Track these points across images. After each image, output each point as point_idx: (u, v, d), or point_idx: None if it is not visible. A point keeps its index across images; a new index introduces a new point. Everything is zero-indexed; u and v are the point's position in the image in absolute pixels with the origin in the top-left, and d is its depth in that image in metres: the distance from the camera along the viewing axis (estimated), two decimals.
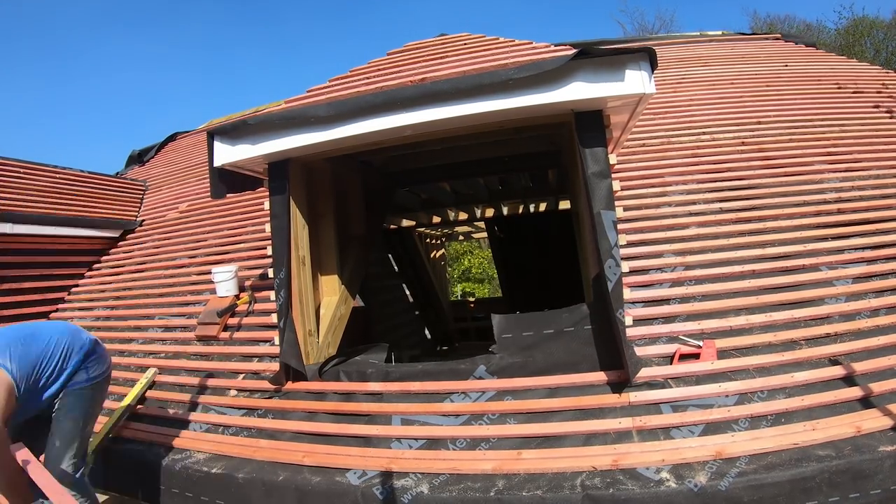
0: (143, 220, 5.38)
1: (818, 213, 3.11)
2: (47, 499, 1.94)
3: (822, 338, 2.45)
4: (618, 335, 2.31)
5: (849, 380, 2.25)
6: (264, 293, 3.41)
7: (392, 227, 6.93)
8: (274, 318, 2.95)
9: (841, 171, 3.43)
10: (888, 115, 4.18)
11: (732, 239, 2.96)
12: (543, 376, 2.46)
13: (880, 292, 2.64)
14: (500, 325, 2.61)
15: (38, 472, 2.62)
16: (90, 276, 4.86)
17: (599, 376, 2.41)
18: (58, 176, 5.28)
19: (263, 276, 3.55)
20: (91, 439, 2.85)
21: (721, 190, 3.33)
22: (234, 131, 2.68)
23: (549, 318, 2.56)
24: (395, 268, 7.61)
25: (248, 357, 3.15)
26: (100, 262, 4.99)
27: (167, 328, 3.74)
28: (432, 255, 8.93)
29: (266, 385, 2.90)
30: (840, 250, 2.87)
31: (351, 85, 3.09)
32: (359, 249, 3.76)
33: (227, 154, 2.73)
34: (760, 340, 2.45)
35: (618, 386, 2.36)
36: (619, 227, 2.45)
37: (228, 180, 2.94)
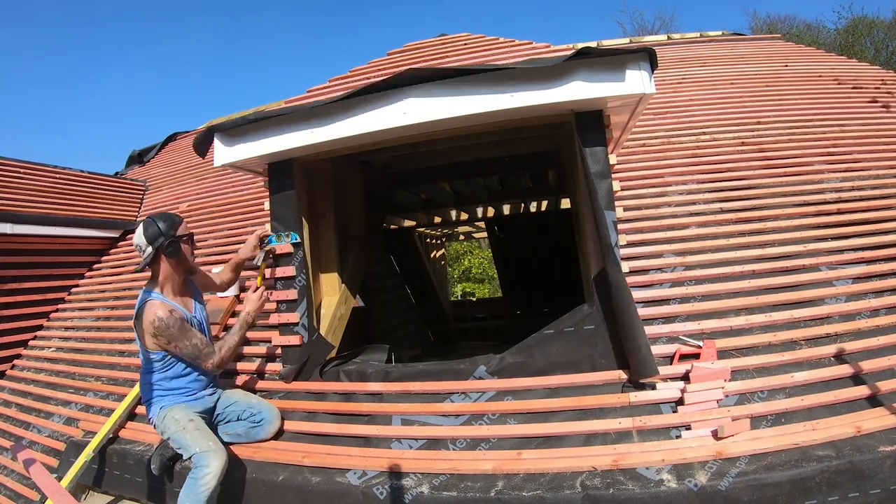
0: None
1: (818, 213, 3.11)
2: None
3: (821, 338, 2.45)
4: (638, 333, 2.30)
5: (849, 380, 2.25)
6: None
7: (392, 227, 6.93)
8: (274, 319, 2.95)
9: (841, 171, 3.43)
10: (885, 110, 4.17)
11: (732, 239, 2.96)
12: (543, 376, 2.46)
13: (880, 292, 2.65)
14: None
15: (40, 473, 2.63)
16: (90, 276, 4.86)
17: (599, 376, 2.41)
18: (58, 176, 5.28)
19: (264, 277, 3.54)
20: (100, 438, 2.87)
21: (721, 190, 3.33)
22: (234, 130, 2.68)
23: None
24: (396, 268, 7.61)
25: (248, 357, 3.15)
26: (100, 262, 4.99)
27: None
28: (432, 255, 8.93)
29: (266, 385, 2.90)
30: (840, 250, 2.87)
31: (351, 85, 3.09)
32: (359, 249, 3.77)
33: (226, 154, 2.74)
34: (760, 340, 2.45)
35: (618, 386, 2.36)
36: (619, 227, 2.45)
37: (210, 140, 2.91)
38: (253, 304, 2.65)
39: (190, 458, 2.25)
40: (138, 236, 2.37)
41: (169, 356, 2.39)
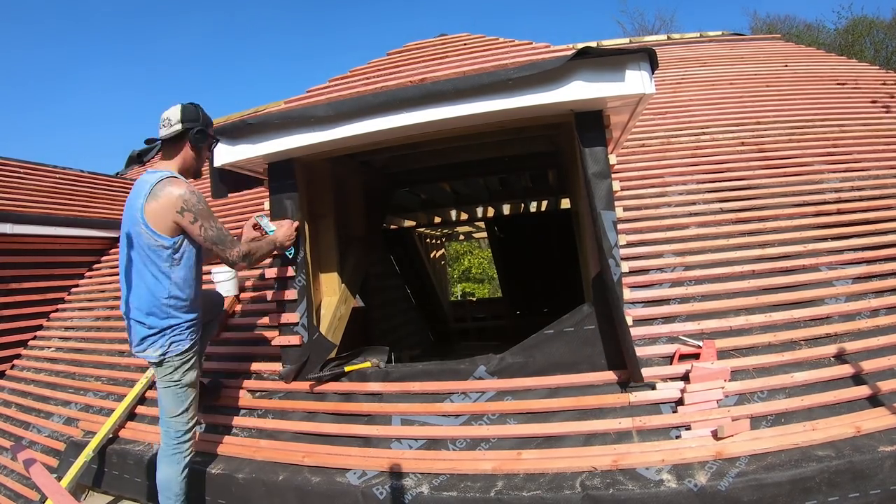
0: None
1: (818, 213, 3.11)
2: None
3: (821, 338, 2.45)
4: (623, 335, 2.30)
5: (849, 380, 2.25)
6: (262, 293, 3.41)
7: (392, 227, 6.93)
8: (274, 319, 2.95)
9: (841, 171, 3.43)
10: (885, 111, 4.17)
11: (732, 239, 2.96)
12: (543, 376, 2.46)
13: (880, 292, 2.65)
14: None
15: (40, 473, 2.63)
16: (90, 276, 4.87)
17: (599, 376, 2.41)
18: (58, 176, 5.28)
19: (263, 277, 3.54)
20: (100, 438, 2.87)
21: (721, 190, 3.33)
22: (234, 131, 2.67)
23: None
24: (396, 268, 7.61)
25: (248, 357, 3.15)
26: (100, 262, 4.99)
27: None
28: (432, 255, 8.93)
29: (266, 385, 2.90)
30: (840, 250, 2.87)
31: (351, 85, 3.08)
32: (359, 250, 3.76)
33: (226, 154, 2.73)
34: (760, 340, 2.45)
35: (618, 386, 2.36)
36: (619, 227, 2.45)
37: (229, 180, 2.94)
38: (284, 232, 2.54)
39: (172, 422, 2.26)
40: (171, 111, 2.22)
41: (180, 248, 2.15)
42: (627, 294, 2.60)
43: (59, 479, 2.75)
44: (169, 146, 2.26)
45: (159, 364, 2.20)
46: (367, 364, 2.78)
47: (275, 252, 2.59)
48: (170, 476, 2.20)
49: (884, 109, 4.28)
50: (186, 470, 2.24)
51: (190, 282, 2.21)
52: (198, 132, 2.25)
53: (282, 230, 2.57)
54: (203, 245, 2.19)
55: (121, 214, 5.54)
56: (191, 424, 2.29)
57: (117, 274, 4.61)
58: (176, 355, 2.19)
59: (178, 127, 2.20)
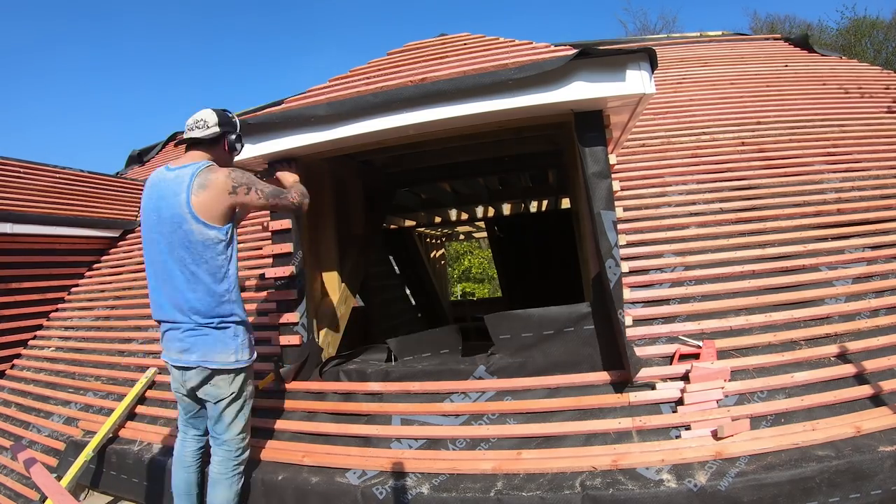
0: None
1: (818, 214, 3.11)
2: None
3: (821, 338, 2.45)
4: (619, 335, 2.30)
5: (848, 380, 2.25)
6: (262, 293, 3.41)
7: (392, 227, 6.93)
8: (274, 319, 2.95)
9: (841, 172, 3.43)
10: (887, 111, 4.17)
11: (732, 239, 2.96)
12: (543, 376, 2.46)
13: (880, 292, 2.65)
14: (493, 324, 2.60)
15: (40, 473, 2.63)
16: (90, 276, 4.86)
17: (599, 376, 2.41)
18: (58, 176, 5.27)
19: (263, 277, 3.54)
20: (100, 438, 2.86)
21: (721, 190, 3.33)
22: None
23: (544, 316, 2.55)
24: (396, 268, 7.60)
25: None
26: (100, 262, 4.99)
27: None
28: (432, 255, 8.93)
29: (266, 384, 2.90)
30: (840, 250, 2.87)
31: (351, 85, 3.08)
32: (359, 249, 3.77)
33: None
34: (760, 340, 2.45)
35: (618, 386, 2.36)
36: (619, 227, 2.45)
37: None
38: (289, 178, 2.53)
39: (234, 439, 2.13)
40: (205, 114, 2.20)
41: (230, 239, 2.11)
42: (627, 294, 2.60)
43: (59, 478, 2.75)
44: (201, 146, 2.21)
45: (225, 373, 2.07)
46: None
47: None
48: (228, 498, 2.10)
49: (885, 109, 4.27)
50: (241, 488, 2.18)
51: (237, 280, 2.19)
52: (236, 138, 2.30)
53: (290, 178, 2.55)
54: (266, 205, 2.22)
55: (121, 214, 5.49)
56: (248, 439, 2.21)
57: (117, 274, 4.66)
58: (246, 364, 2.14)
59: (217, 129, 2.20)
